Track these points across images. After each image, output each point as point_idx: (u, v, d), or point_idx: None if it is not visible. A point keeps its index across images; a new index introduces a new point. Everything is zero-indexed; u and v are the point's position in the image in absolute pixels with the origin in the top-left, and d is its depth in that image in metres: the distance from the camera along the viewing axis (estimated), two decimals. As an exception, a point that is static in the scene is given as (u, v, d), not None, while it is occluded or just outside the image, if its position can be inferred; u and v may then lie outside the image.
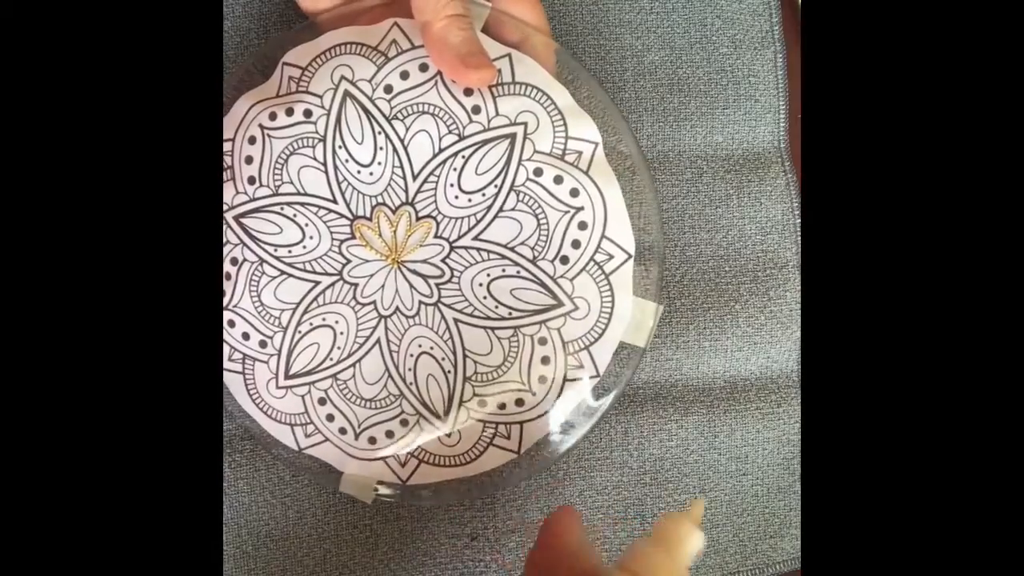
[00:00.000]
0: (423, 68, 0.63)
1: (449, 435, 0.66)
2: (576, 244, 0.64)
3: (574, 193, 0.63)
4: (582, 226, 0.64)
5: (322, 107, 0.64)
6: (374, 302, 0.65)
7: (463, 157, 0.64)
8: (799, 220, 0.77)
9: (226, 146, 0.66)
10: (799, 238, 0.77)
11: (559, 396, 0.65)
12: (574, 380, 0.65)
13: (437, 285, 0.65)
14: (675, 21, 0.77)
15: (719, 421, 0.75)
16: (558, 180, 0.63)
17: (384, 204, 0.65)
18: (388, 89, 0.64)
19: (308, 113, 0.64)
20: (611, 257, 0.64)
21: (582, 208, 0.63)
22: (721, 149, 0.77)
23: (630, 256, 0.64)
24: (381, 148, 0.64)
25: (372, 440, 0.66)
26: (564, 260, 0.64)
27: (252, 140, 0.65)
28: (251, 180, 0.65)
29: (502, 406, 0.65)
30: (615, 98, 0.76)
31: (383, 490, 0.68)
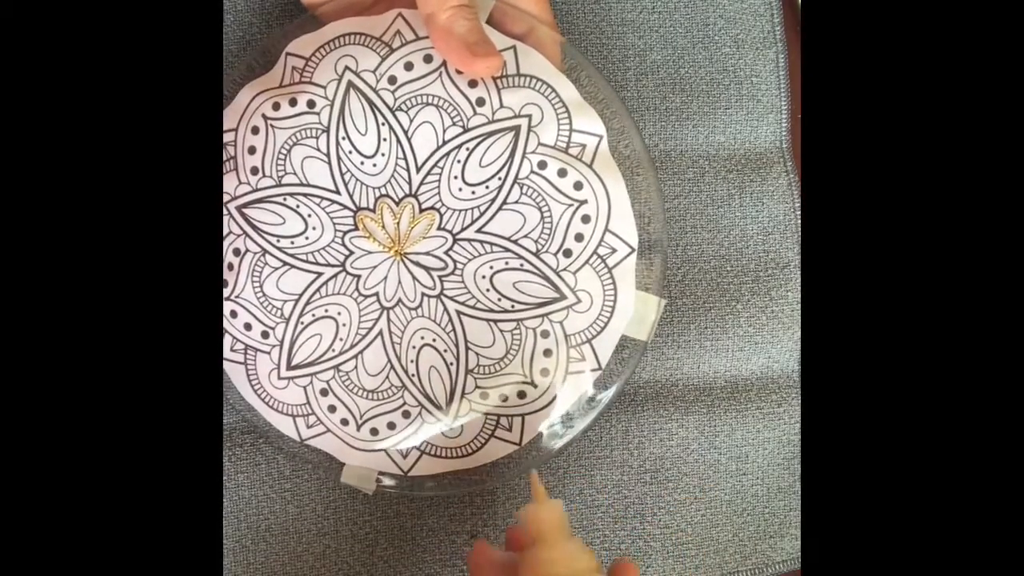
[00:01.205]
0: (427, 59, 0.64)
1: (451, 427, 0.66)
2: (579, 237, 0.64)
3: (578, 186, 0.64)
4: (585, 219, 0.64)
5: (326, 98, 0.64)
6: (377, 294, 0.66)
7: (467, 149, 0.64)
8: (801, 220, 0.77)
9: (229, 136, 0.66)
10: (801, 238, 0.77)
11: (561, 389, 0.65)
12: (576, 373, 0.65)
13: (440, 277, 0.65)
14: (677, 21, 0.78)
15: (719, 421, 0.75)
16: (562, 173, 0.64)
17: (387, 196, 0.65)
18: (392, 80, 0.64)
19: (312, 104, 0.64)
20: (614, 251, 0.64)
21: (586, 201, 0.64)
22: (723, 149, 0.77)
23: (633, 250, 0.64)
24: (385, 139, 0.64)
25: (374, 431, 0.66)
26: (567, 253, 0.64)
27: (255, 130, 0.65)
28: (254, 170, 0.65)
29: (504, 398, 0.65)
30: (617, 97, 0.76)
31: (385, 481, 0.68)
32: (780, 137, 0.79)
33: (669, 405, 0.75)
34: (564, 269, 0.64)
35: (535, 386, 0.65)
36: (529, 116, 0.63)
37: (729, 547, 0.76)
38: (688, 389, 0.75)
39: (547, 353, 0.65)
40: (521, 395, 0.65)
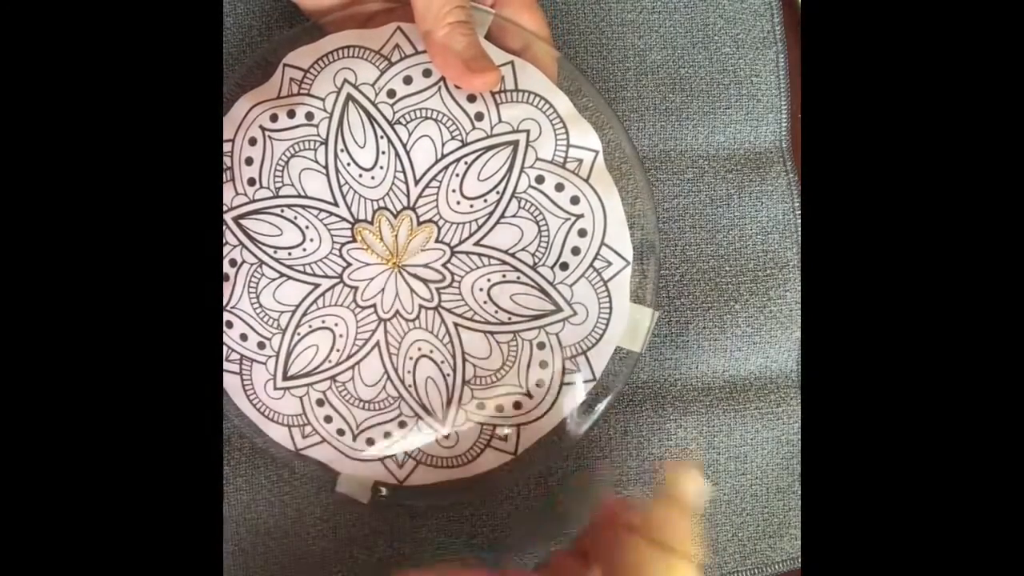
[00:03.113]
0: (426, 74, 0.65)
1: (447, 437, 0.68)
2: (576, 251, 0.66)
3: (575, 201, 0.65)
4: (582, 233, 0.66)
5: (324, 110, 0.66)
6: (374, 305, 0.67)
7: (466, 163, 0.65)
8: (800, 220, 0.79)
9: (226, 147, 0.67)
10: (800, 238, 0.79)
11: (556, 399, 0.67)
12: (571, 384, 0.67)
13: (438, 289, 0.67)
14: (677, 21, 0.79)
15: (718, 421, 0.77)
16: (559, 187, 0.65)
17: (386, 208, 0.66)
18: (391, 94, 0.65)
19: (310, 116, 0.66)
20: (609, 264, 0.66)
21: (582, 215, 0.66)
22: (723, 149, 0.79)
23: (628, 263, 0.66)
24: (383, 152, 0.66)
25: (370, 441, 0.68)
26: (564, 266, 0.66)
27: (252, 141, 0.67)
28: (251, 181, 0.67)
29: (500, 408, 0.67)
30: (617, 97, 0.78)
31: (380, 491, 0.70)
32: (780, 137, 0.80)
33: (667, 405, 0.76)
34: (560, 282, 0.66)
35: (531, 396, 0.67)
36: (527, 131, 0.65)
37: (728, 547, 0.77)
38: (686, 389, 0.77)
39: (543, 364, 0.67)
40: (517, 405, 0.67)
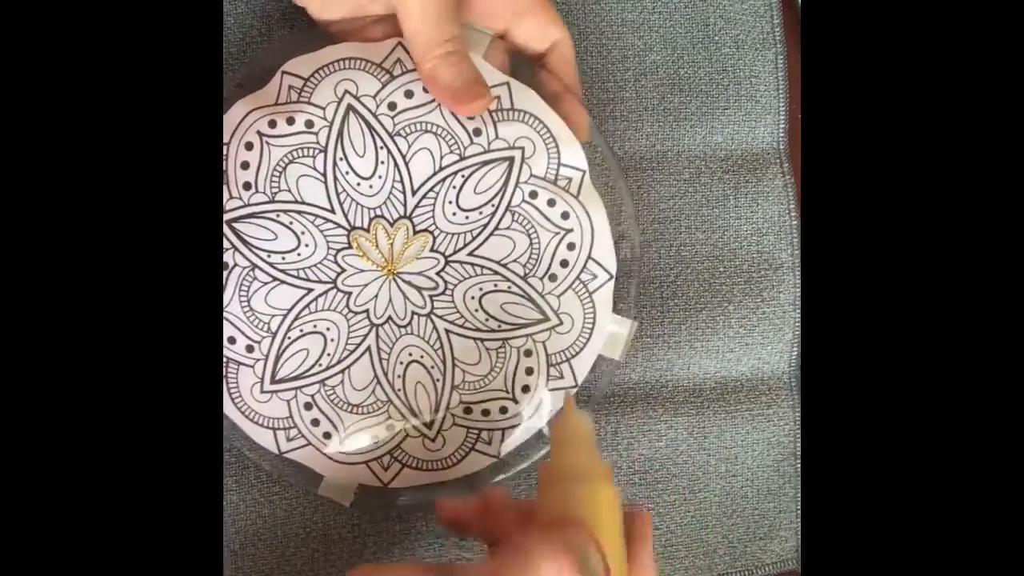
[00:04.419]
0: (427, 88, 0.69)
1: (433, 440, 0.72)
2: (564, 263, 0.71)
3: (565, 216, 0.71)
4: (571, 247, 0.71)
5: (324, 119, 0.69)
6: (367, 311, 0.71)
7: (463, 176, 0.70)
8: (795, 222, 0.83)
9: None
10: (795, 239, 0.82)
11: (540, 404, 0.72)
12: (555, 390, 0.72)
13: (431, 297, 0.71)
14: (677, 21, 0.83)
15: (709, 422, 0.80)
16: (551, 203, 0.71)
17: (382, 216, 0.70)
18: (392, 106, 0.70)
19: (310, 124, 0.69)
20: (595, 276, 0.72)
21: (571, 230, 0.71)
22: (720, 149, 0.82)
23: (612, 276, 0.72)
24: (383, 162, 0.70)
25: (356, 445, 0.72)
26: (552, 278, 0.71)
27: (249, 146, 0.70)
28: (247, 186, 0.70)
29: (486, 412, 0.72)
30: (616, 97, 0.81)
31: (363, 493, 0.73)
32: (777, 138, 0.84)
33: (659, 406, 0.80)
34: (549, 292, 0.71)
35: (516, 401, 0.72)
36: (522, 148, 0.70)
37: (719, 549, 0.80)
38: (678, 390, 0.81)
39: (529, 371, 0.72)
40: (503, 410, 0.72)
